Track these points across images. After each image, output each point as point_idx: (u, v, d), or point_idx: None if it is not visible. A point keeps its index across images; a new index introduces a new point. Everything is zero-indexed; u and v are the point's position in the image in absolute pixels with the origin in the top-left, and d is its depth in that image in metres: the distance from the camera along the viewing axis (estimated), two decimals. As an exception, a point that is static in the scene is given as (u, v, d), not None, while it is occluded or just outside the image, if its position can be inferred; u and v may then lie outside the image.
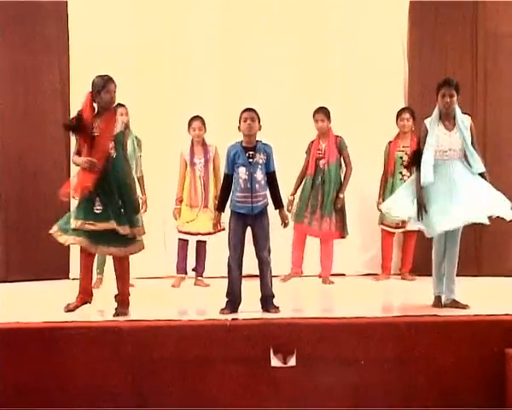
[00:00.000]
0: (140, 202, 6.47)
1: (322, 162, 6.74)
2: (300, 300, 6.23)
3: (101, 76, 4.94)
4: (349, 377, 4.42)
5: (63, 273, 7.14)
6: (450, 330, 4.53)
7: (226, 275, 5.01)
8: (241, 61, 7.44)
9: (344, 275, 7.32)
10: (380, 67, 7.42)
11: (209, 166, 6.67)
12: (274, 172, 5.03)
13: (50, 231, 4.96)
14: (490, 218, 4.96)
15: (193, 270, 6.76)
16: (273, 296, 4.99)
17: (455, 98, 5.02)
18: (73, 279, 6.51)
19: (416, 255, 6.94)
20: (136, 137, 6.66)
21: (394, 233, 7.03)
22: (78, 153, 4.93)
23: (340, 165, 6.79)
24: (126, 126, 5.25)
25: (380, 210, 6.90)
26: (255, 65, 7.40)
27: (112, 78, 4.94)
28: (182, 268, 6.72)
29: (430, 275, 5.28)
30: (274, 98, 7.22)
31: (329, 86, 7.42)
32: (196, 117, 6.67)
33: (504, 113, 7.27)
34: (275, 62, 7.40)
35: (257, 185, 4.93)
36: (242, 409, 4.35)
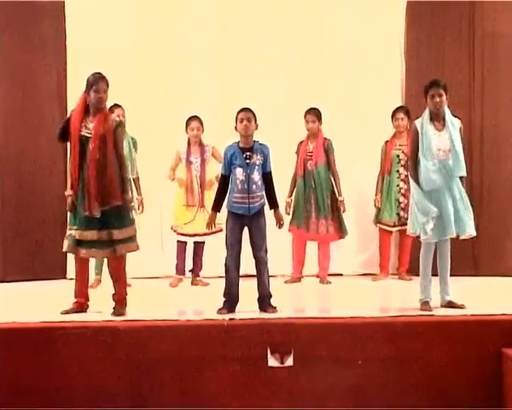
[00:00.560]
0: (136, 202, 6.52)
1: (309, 163, 6.71)
2: (298, 300, 6.23)
3: (93, 74, 4.79)
4: (346, 377, 4.42)
5: (61, 273, 7.13)
6: (447, 329, 4.54)
7: (223, 275, 5.01)
8: (239, 61, 7.44)
9: (341, 275, 7.32)
10: (377, 66, 7.43)
11: (205, 165, 6.67)
12: (270, 172, 5.01)
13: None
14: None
15: (190, 271, 6.77)
16: (270, 296, 5.00)
17: (444, 98, 5.00)
18: (71, 279, 6.47)
19: (413, 255, 6.93)
20: (132, 138, 6.64)
21: (392, 232, 7.02)
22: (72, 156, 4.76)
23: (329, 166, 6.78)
24: (120, 125, 4.95)
25: (377, 208, 6.92)
26: (252, 65, 7.40)
27: (103, 76, 4.78)
28: (181, 270, 6.73)
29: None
30: (271, 98, 7.23)
31: (327, 86, 7.42)
32: (194, 117, 6.67)
33: (502, 112, 7.26)
34: (272, 62, 7.40)
35: (254, 186, 4.92)
36: (240, 409, 4.35)
